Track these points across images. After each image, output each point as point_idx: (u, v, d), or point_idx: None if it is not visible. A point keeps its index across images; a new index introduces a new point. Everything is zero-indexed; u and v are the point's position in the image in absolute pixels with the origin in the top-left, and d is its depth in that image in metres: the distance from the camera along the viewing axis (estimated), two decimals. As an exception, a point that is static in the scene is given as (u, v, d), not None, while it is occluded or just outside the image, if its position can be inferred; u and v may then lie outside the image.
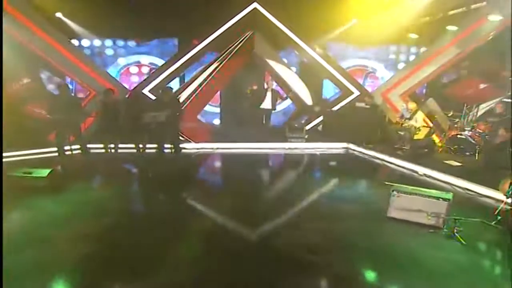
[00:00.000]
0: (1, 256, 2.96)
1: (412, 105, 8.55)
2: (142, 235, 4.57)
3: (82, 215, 5.12)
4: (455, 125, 8.82)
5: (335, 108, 10.88)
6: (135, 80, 11.34)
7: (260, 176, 7.89)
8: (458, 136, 8.33)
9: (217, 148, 9.46)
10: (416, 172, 7.56)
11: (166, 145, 8.55)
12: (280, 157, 9.34)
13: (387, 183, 5.57)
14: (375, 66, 11.96)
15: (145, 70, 11.51)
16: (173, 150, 8.59)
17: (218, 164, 8.93)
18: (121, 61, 11.33)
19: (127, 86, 10.28)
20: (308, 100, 11.18)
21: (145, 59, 11.46)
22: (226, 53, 10.17)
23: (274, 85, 10.69)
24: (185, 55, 10.29)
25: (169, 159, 8.42)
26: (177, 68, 10.33)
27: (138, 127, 8.22)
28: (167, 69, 10.29)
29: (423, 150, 8.06)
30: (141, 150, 8.61)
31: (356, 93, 10.93)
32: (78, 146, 8.29)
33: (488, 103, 10.29)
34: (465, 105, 9.36)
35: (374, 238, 4.62)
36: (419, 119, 8.46)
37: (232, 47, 10.21)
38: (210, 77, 9.80)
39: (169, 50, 11.32)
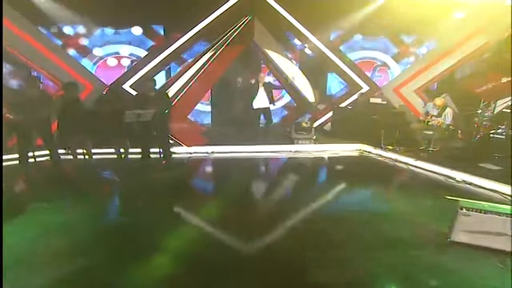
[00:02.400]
0: (1, 256, 2.86)
1: (440, 101, 7.43)
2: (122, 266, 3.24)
3: (48, 244, 3.74)
4: (483, 123, 7.82)
5: (344, 105, 9.72)
6: (114, 74, 9.80)
7: (269, 188, 6.52)
8: (492, 136, 7.30)
9: (213, 152, 8.11)
10: (453, 178, 6.46)
11: (153, 149, 7.18)
12: (287, 162, 8.03)
13: (449, 197, 4.42)
14: (384, 58, 10.84)
15: (126, 62, 10.00)
16: (161, 155, 7.20)
17: (215, 171, 7.55)
18: (97, 52, 9.78)
19: (104, 81, 8.75)
20: (311, 97, 9.98)
21: (125, 50, 9.95)
22: (220, 42, 8.84)
23: (271, 79, 9.31)
24: (172, 44, 8.88)
25: (156, 166, 7.04)
26: (162, 59, 8.90)
27: (118, 128, 6.82)
28: (150, 61, 8.85)
29: (458, 152, 6.97)
30: (122, 156, 7.20)
31: (365, 88, 9.82)
32: (47, 152, 6.79)
33: (506, 99, 9.39)
34: (482, 101, 8.43)
35: (443, 274, 3.46)
36: (449, 116, 7.36)
37: (228, 35, 8.88)
38: (203, 70, 8.42)
39: (153, 39, 9.85)
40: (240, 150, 8.22)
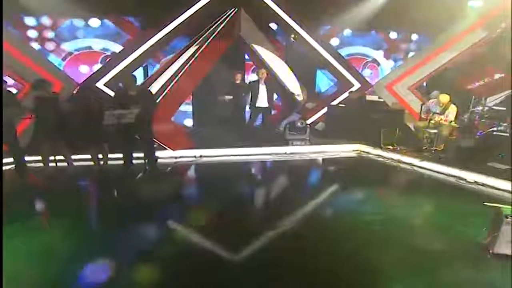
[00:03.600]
0: (1, 256, 2.72)
1: (445, 98, 7.06)
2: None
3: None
4: (482, 120, 7.57)
5: (336, 103, 9.24)
6: (85, 71, 8.87)
7: (269, 199, 5.81)
8: (495, 133, 7.01)
9: (201, 156, 7.38)
10: (464, 179, 6.09)
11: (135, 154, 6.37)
12: (284, 166, 7.40)
13: (486, 204, 3.96)
14: (374, 54, 10.47)
15: (98, 58, 9.05)
16: (146, 161, 6.40)
17: (206, 177, 6.78)
18: (66, 46, 8.78)
19: (74, 79, 7.80)
20: (299, 94, 9.44)
21: (97, 44, 9.00)
22: (205, 35, 8.11)
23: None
24: (150, 38, 8.05)
25: (141, 175, 6.24)
26: (139, 55, 8.04)
27: (95, 131, 6.00)
28: (126, 56, 7.96)
29: (463, 151, 6.62)
30: (101, 163, 6.35)
31: (357, 85, 9.39)
32: (11, 160, 5.86)
33: (497, 95, 9.25)
34: (473, 98, 8.22)
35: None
36: (452, 114, 7.01)
37: (213, 28, 8.17)
38: (187, 66, 7.65)
39: (129, 32, 8.98)
40: (231, 153, 7.55)
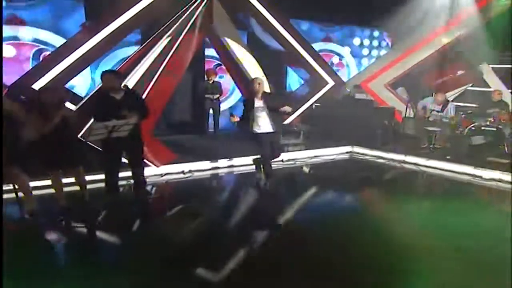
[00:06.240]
0: (1, 256, 2.55)
1: (443, 96, 6.98)
2: None
3: None
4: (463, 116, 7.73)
5: (313, 102, 8.64)
6: (12, 68, 6.76)
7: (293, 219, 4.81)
8: (483, 128, 7.13)
9: (191, 171, 6.08)
10: (480, 176, 5.99)
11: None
12: (289, 176, 6.49)
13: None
14: (341, 51, 10.16)
15: (28, 51, 7.01)
16: (134, 180, 4.92)
17: (202, 197, 5.46)
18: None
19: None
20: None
21: (28, 33, 6.95)
22: (174, 28, 6.73)
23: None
24: (102, 29, 6.36)
25: (129, 199, 4.81)
26: (88, 51, 6.25)
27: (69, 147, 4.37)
28: (70, 53, 6.13)
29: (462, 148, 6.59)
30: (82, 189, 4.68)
31: (331, 83, 8.93)
32: None
33: (454, 91, 9.70)
34: (434, 94, 8.46)
35: None
36: (452, 111, 6.94)
37: (182, 20, 6.84)
38: (164, 65, 6.23)
39: (73, 19, 7.11)
40: (223, 164, 6.42)
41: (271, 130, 5.12)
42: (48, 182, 4.46)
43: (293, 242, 3.80)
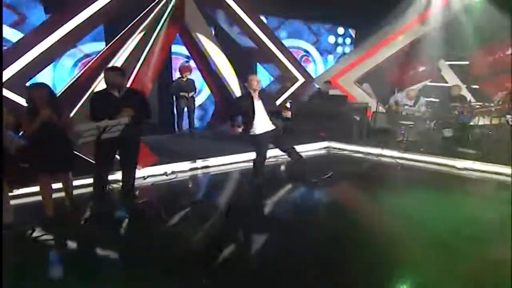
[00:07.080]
0: (1, 256, 2.52)
1: (413, 92, 7.29)
2: None
3: None
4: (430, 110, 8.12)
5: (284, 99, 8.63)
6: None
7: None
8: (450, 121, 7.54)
9: (174, 173, 5.79)
10: (453, 166, 6.31)
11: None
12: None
13: None
14: (308, 48, 10.25)
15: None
16: (123, 185, 4.55)
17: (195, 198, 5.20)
18: None
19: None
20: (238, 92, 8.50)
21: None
22: (149, 20, 6.38)
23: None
24: (64, 24, 5.80)
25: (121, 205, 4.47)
26: (49, 48, 5.67)
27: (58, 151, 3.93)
28: (30, 48, 5.49)
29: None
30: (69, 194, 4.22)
31: (301, 80, 8.99)
32: None
33: (416, 86, 10.16)
34: (396, 90, 8.87)
35: None
36: (423, 106, 7.25)
37: (154, 15, 6.48)
38: (142, 62, 5.86)
39: (33, 14, 6.51)
40: (207, 164, 6.19)
41: (272, 128, 4.97)
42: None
43: (285, 240, 3.73)
